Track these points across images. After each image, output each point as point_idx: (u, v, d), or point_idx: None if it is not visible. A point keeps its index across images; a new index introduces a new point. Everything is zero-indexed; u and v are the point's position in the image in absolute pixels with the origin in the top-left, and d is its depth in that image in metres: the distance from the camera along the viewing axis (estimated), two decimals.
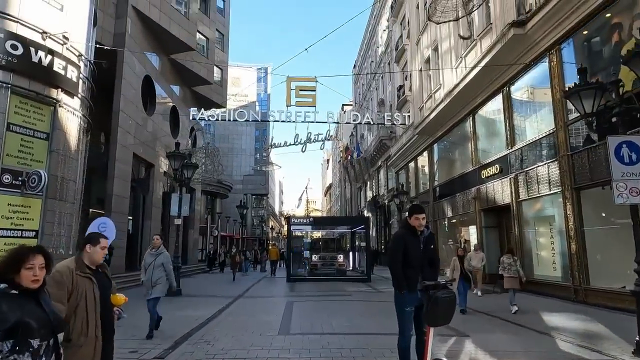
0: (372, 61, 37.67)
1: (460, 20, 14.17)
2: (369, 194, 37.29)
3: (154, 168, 20.40)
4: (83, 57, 11.36)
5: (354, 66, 47.82)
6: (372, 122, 23.10)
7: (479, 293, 11.86)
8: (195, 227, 28.86)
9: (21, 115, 9.71)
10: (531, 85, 12.61)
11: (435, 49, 19.09)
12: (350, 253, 23.19)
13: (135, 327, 6.69)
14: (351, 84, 50.30)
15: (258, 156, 63.30)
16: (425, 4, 19.08)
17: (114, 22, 17.37)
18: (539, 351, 5.78)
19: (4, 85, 9.30)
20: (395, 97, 28.04)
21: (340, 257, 20.22)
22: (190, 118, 22.08)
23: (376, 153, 32.72)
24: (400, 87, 26.72)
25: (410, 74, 23.54)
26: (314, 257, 20.30)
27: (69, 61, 10.58)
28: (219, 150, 32.06)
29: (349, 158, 42.30)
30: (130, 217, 18.75)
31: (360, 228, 21.76)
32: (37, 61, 9.75)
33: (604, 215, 9.93)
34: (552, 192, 11.25)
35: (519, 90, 13.18)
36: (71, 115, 10.85)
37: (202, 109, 21.56)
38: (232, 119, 21.69)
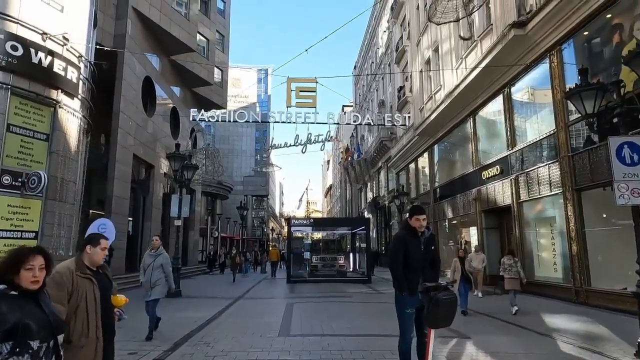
0: (373, 62, 37.69)
1: (461, 21, 14.18)
2: (370, 195, 37.27)
3: (154, 169, 20.39)
4: (83, 58, 11.35)
5: (354, 67, 47.82)
6: (372, 123, 23.14)
7: (480, 294, 11.85)
8: (196, 229, 28.84)
9: (21, 116, 9.70)
10: (532, 86, 12.60)
11: (436, 50, 19.09)
12: (351, 254, 23.17)
13: (134, 328, 6.67)
14: (351, 85, 50.35)
15: (258, 157, 63.29)
16: (425, 5, 19.09)
17: (114, 23, 17.38)
18: (540, 353, 5.76)
19: (4, 86, 9.28)
20: (395, 98, 28.03)
21: (340, 259, 20.22)
22: (191, 119, 22.12)
23: (376, 154, 32.71)
24: (401, 88, 26.71)
25: (411, 75, 23.54)
26: (315, 259, 20.29)
27: (69, 62, 10.57)
28: (219, 152, 32.05)
29: (349, 159, 42.30)
30: (131, 218, 18.74)
31: (361, 229, 21.73)
32: (37, 62, 9.74)
33: (605, 216, 9.91)
34: (553, 193, 11.23)
35: (520, 91, 13.17)
36: (71, 116, 10.84)
37: (203, 110, 21.61)
38: (232, 120, 21.76)
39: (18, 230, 9.43)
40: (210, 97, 28.28)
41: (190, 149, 24.32)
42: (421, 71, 21.06)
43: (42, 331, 2.00)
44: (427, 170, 21.92)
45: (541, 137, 11.78)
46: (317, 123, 19.09)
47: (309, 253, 21.07)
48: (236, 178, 57.11)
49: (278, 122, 19.34)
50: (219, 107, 29.22)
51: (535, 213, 12.68)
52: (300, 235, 22.89)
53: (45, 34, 10.04)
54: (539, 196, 11.96)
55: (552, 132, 11.16)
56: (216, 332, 7.21)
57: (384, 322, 7.64)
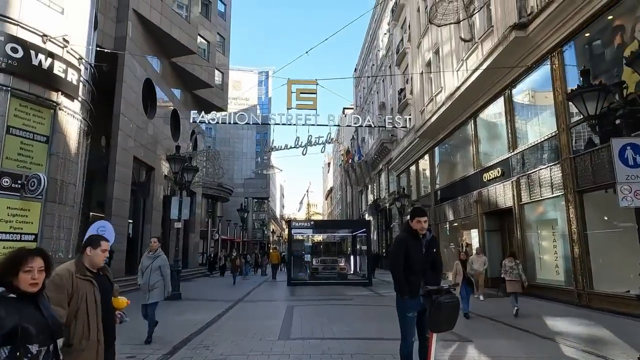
0: (373, 64, 37.73)
1: (462, 23, 14.18)
2: (370, 198, 37.24)
3: (155, 171, 20.37)
4: (83, 60, 11.34)
5: (355, 69, 47.89)
6: (373, 125, 23.14)
7: (482, 297, 11.79)
8: (196, 231, 28.81)
9: (21, 118, 9.68)
10: (533, 88, 12.59)
11: (436, 52, 19.09)
12: (352, 257, 23.12)
13: (133, 331, 6.62)
14: (352, 87, 50.43)
15: (259, 159, 63.28)
16: (426, 8, 19.11)
17: (114, 26, 17.39)
18: (542, 357, 5.72)
19: (4, 88, 9.27)
20: (396, 100, 28.04)
21: (341, 261, 20.17)
22: (191, 121, 22.12)
23: (377, 156, 32.70)
24: (401, 90, 26.73)
25: (411, 77, 23.54)
26: (315, 261, 20.25)
27: (69, 64, 10.57)
28: (220, 154, 32.03)
29: (350, 161, 42.29)
30: (131, 221, 18.70)
31: (362, 232, 21.69)
32: (37, 64, 9.73)
33: (607, 218, 9.87)
34: (554, 195, 11.20)
35: (521, 93, 13.16)
36: (71, 119, 10.83)
37: (203, 112, 21.58)
38: (232, 122, 21.69)
39: (17, 233, 9.41)
40: (211, 100, 28.29)
41: (191, 151, 24.30)
42: (422, 73, 21.06)
43: (41, 335, 1.96)
44: (428, 173, 21.89)
45: (542, 139, 11.75)
46: (317, 125, 19.06)
47: (309, 255, 21.01)
48: (237, 180, 57.11)
49: (278, 124, 19.31)
50: (219, 110, 29.23)
51: (536, 215, 12.64)
52: (300, 237, 22.87)
53: (46, 36, 10.03)
54: (540, 198, 11.92)
55: (553, 134, 11.14)
56: (216, 335, 7.16)
57: (385, 325, 7.58)
